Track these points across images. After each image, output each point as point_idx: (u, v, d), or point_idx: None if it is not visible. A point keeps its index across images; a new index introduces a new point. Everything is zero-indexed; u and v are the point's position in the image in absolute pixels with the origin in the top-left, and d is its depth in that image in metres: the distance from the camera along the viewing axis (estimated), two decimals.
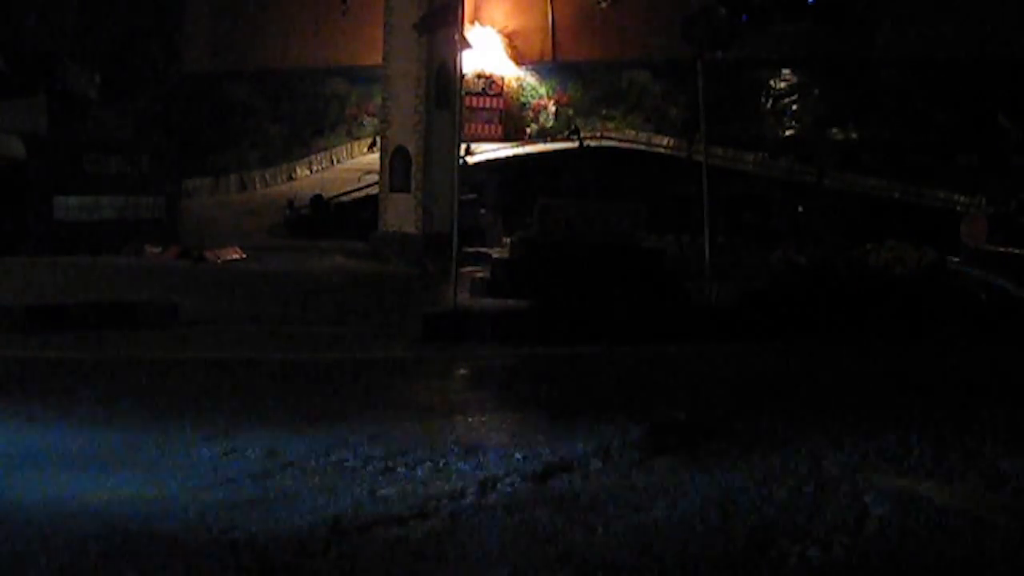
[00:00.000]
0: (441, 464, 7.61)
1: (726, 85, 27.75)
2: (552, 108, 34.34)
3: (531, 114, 34.53)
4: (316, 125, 35.95)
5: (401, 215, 23.88)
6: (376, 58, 26.12)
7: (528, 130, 34.29)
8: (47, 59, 28.46)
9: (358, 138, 35.15)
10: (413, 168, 23.65)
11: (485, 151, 31.02)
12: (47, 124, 24.91)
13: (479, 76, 33.59)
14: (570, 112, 33.93)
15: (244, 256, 23.00)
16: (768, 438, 8.64)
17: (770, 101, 31.58)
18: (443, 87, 23.20)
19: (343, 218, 28.62)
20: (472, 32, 30.89)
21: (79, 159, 24.15)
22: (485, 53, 33.44)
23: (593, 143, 31.60)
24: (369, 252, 23.79)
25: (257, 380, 11.08)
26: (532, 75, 34.55)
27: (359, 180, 30.34)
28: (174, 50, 35.71)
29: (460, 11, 16.60)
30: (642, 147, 31.62)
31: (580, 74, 33.99)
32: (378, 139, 27.12)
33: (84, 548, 5.63)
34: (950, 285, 18.33)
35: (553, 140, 32.78)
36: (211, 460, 7.71)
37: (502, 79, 34.41)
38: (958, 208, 25.93)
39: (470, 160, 28.23)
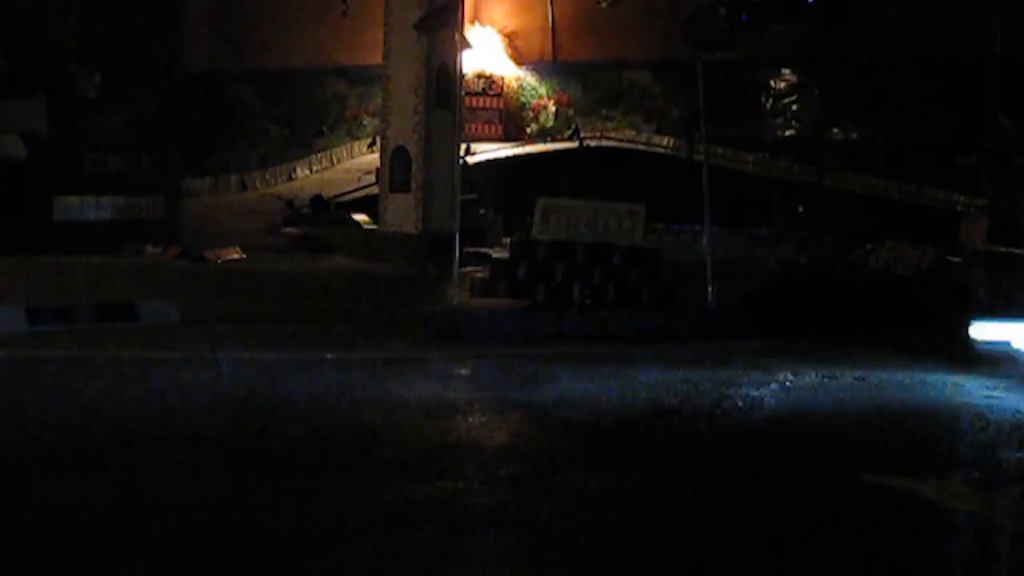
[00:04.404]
0: (441, 463, 7.61)
1: (726, 85, 27.75)
2: (552, 108, 34.34)
3: (531, 114, 34.54)
4: (316, 125, 35.96)
5: (401, 215, 23.88)
6: (376, 58, 26.15)
7: (528, 130, 34.29)
8: (47, 59, 28.46)
9: (358, 138, 35.16)
10: (413, 168, 23.66)
11: (485, 151, 31.01)
12: (47, 124, 24.93)
13: (479, 76, 33.59)
14: (570, 112, 33.92)
15: (244, 256, 23.02)
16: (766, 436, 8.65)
17: (770, 101, 31.57)
18: (443, 87, 23.20)
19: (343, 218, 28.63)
20: (472, 32, 30.88)
21: (79, 159, 24.16)
22: (485, 53, 33.43)
23: (593, 143, 31.60)
24: (369, 252, 23.80)
25: (256, 381, 11.06)
26: (532, 75, 34.55)
27: (359, 180, 30.36)
28: (174, 50, 35.69)
29: (460, 11, 16.60)
30: (642, 147, 31.62)
31: (580, 74, 33.98)
32: (378, 139, 27.15)
33: None
34: (950, 285, 18.31)
35: (553, 140, 32.78)
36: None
37: (502, 79, 34.41)
38: (958, 208, 25.91)
39: (470, 160, 28.24)
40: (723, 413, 9.71)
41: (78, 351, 12.20)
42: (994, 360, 12.02)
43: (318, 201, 29.53)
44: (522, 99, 34.61)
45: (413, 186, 23.66)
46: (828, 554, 5.97)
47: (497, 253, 21.88)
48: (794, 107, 31.34)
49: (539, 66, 34.54)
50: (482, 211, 26.98)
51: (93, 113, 28.01)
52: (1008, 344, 12.06)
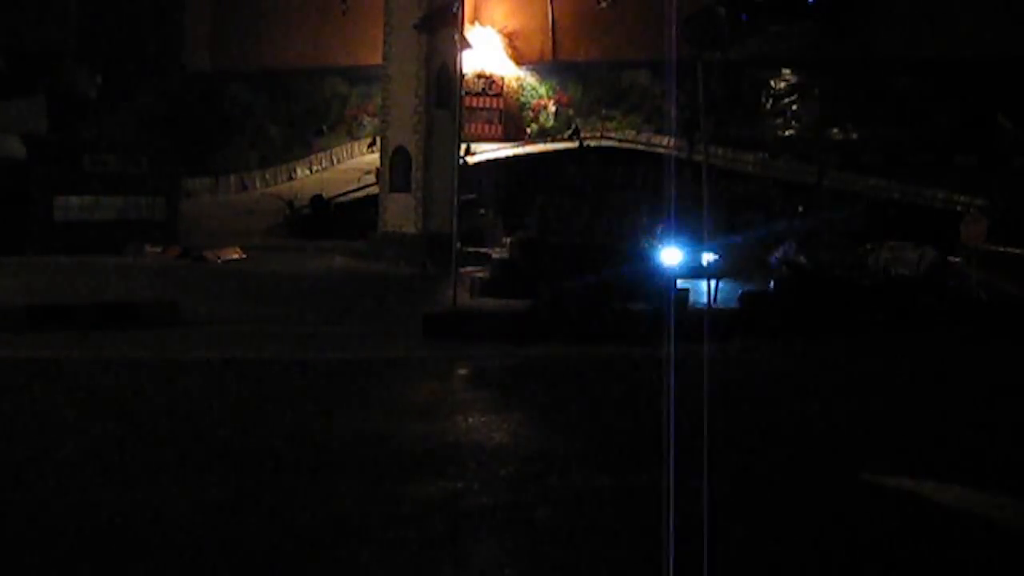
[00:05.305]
0: (442, 464, 7.61)
1: (726, 85, 27.75)
2: (552, 108, 34.33)
3: (531, 114, 34.52)
4: (316, 125, 35.96)
5: (401, 215, 23.88)
6: (376, 58, 26.14)
7: (528, 130, 34.28)
8: (47, 59, 28.47)
9: (358, 138, 35.16)
10: (413, 168, 23.66)
11: (485, 151, 31.00)
12: (47, 124, 24.95)
13: (479, 76, 33.58)
14: (570, 112, 33.91)
15: (244, 256, 23.03)
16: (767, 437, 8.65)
17: (770, 101, 31.56)
18: (443, 87, 23.21)
19: (343, 218, 28.65)
20: (472, 32, 30.88)
21: (79, 159, 24.18)
22: (485, 53, 33.43)
23: (593, 143, 31.57)
24: (369, 252, 23.81)
25: (257, 381, 11.07)
26: (532, 75, 34.54)
27: (359, 180, 30.36)
28: (174, 50, 35.72)
29: (460, 11, 16.61)
30: (642, 147, 31.59)
31: (580, 74, 33.97)
32: (378, 139, 27.15)
33: None
34: (950, 285, 18.31)
35: (553, 140, 32.76)
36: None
37: (502, 79, 34.41)
38: (958, 208, 25.89)
39: (470, 160, 28.22)
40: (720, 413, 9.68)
41: (78, 351, 12.20)
42: None
43: (318, 201, 29.53)
44: (522, 99, 34.61)
45: (413, 186, 23.66)
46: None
47: (497, 253, 21.88)
48: (794, 107, 31.33)
49: (539, 66, 34.53)
50: (482, 211, 26.97)
51: (93, 113, 28.01)
52: None
